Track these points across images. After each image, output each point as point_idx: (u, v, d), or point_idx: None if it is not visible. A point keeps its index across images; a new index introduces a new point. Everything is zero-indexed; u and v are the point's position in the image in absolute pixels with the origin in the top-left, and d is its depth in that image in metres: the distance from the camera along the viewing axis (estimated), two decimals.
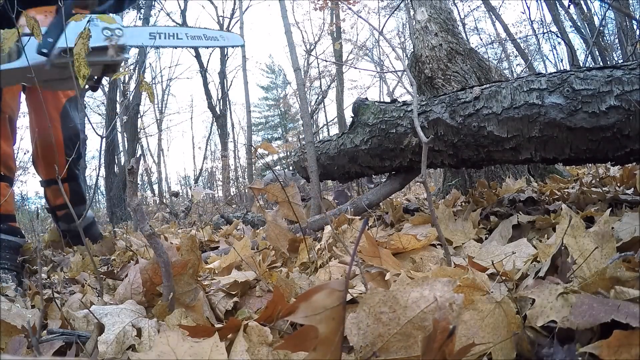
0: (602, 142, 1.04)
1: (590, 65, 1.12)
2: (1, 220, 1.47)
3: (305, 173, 1.90)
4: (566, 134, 1.07)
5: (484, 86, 1.22)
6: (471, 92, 1.23)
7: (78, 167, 2.09)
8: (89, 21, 1.01)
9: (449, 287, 0.47)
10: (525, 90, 1.11)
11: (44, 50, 1.30)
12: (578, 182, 1.82)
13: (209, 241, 1.92)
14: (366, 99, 1.61)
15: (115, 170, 8.96)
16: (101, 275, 1.15)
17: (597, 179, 1.80)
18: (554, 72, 1.13)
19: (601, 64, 9.30)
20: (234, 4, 14.24)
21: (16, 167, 1.82)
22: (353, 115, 1.59)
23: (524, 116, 1.11)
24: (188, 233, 2.24)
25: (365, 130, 1.50)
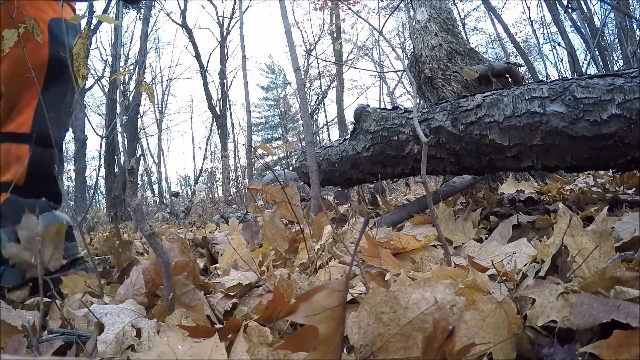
0: (603, 150, 1.04)
1: (592, 73, 1.12)
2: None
3: (307, 179, 1.89)
4: (568, 142, 1.06)
5: (486, 94, 1.22)
6: (473, 100, 1.22)
7: (60, 122, 1.17)
8: (88, 22, 1.01)
9: (450, 290, 0.47)
10: (526, 98, 1.11)
11: None
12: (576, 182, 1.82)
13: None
14: (368, 105, 1.61)
15: (116, 170, 8.96)
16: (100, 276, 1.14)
17: (596, 179, 1.80)
18: (556, 80, 1.13)
19: (601, 64, 9.33)
20: (234, 4, 14.31)
21: None
22: (355, 122, 1.59)
23: (525, 124, 1.10)
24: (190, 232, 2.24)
25: (367, 137, 1.50)
